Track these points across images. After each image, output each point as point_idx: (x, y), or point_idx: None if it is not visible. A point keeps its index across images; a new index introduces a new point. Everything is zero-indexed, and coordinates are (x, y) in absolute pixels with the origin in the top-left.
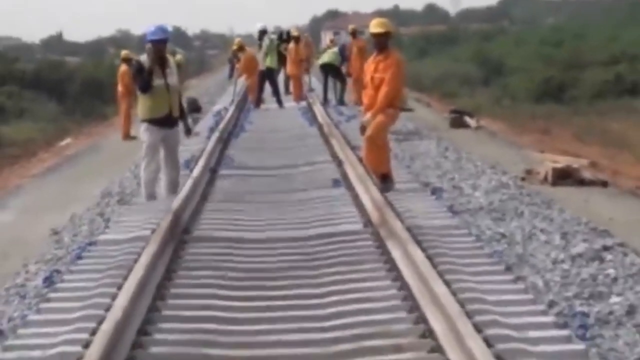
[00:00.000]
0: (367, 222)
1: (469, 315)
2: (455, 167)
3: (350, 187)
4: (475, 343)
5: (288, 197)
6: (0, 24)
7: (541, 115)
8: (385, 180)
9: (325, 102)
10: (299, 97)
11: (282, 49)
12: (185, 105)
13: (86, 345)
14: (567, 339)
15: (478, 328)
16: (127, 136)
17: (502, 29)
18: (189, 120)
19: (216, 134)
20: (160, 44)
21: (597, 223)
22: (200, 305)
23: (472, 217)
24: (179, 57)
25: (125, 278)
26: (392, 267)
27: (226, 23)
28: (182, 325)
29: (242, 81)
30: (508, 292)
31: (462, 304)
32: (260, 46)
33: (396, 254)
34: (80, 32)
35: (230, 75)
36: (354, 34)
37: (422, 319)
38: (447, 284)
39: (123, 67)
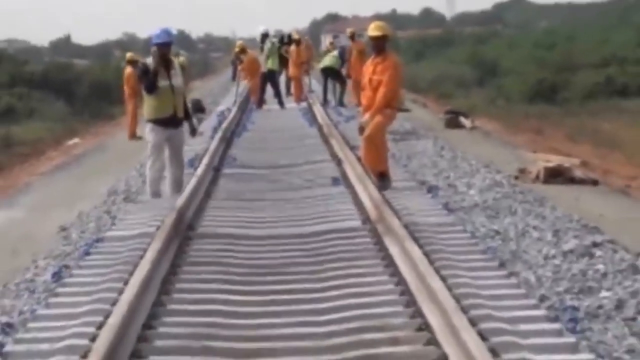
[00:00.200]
0: (366, 219)
1: (464, 309)
2: (451, 166)
3: (349, 186)
4: (470, 336)
5: (289, 194)
6: (10, 28)
7: (534, 115)
8: (383, 179)
9: (325, 103)
10: (300, 98)
11: (283, 51)
12: (189, 106)
13: (93, 338)
14: (558, 332)
15: (473, 322)
16: (134, 136)
17: (496, 32)
18: (194, 121)
19: (219, 134)
20: (165, 47)
21: (587, 220)
22: (203, 299)
23: (467, 215)
24: (181, 59)
25: (131, 273)
26: (390, 263)
27: (229, 26)
28: (186, 319)
29: (244, 83)
30: (501, 287)
31: (457, 298)
32: (262, 49)
33: (393, 250)
34: (87, 35)
35: (233, 77)
36: (353, 37)
37: (418, 313)
38: (443, 279)
39: (128, 69)
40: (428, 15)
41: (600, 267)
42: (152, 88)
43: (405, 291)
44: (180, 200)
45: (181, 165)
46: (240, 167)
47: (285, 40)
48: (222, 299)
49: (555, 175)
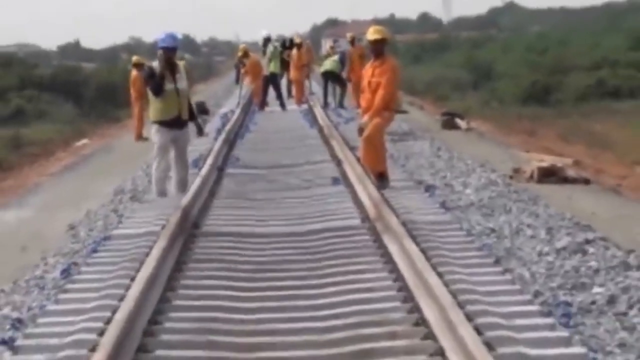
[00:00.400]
0: (365, 218)
1: (461, 305)
2: (447, 165)
3: (348, 185)
4: (466, 331)
5: (290, 194)
6: (20, 32)
7: (527, 117)
8: (381, 179)
9: (325, 105)
10: (301, 100)
11: (285, 55)
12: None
13: (101, 333)
14: (552, 327)
15: (469, 317)
16: (140, 137)
17: (491, 37)
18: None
19: (223, 135)
20: (171, 51)
21: (580, 218)
22: (207, 295)
23: (463, 213)
24: (181, 62)
25: (138, 270)
26: (388, 259)
27: (233, 30)
28: (191, 315)
29: (247, 85)
30: (497, 283)
31: (454, 294)
32: (264, 52)
33: (392, 247)
34: (95, 39)
35: (237, 80)
36: (353, 41)
37: (416, 309)
38: (440, 275)
39: (134, 72)
40: (425, 20)
41: (593, 263)
42: (159, 91)
43: (403, 287)
44: (185, 199)
45: (186, 165)
46: (243, 167)
47: (287, 44)
48: (226, 295)
49: (548, 175)
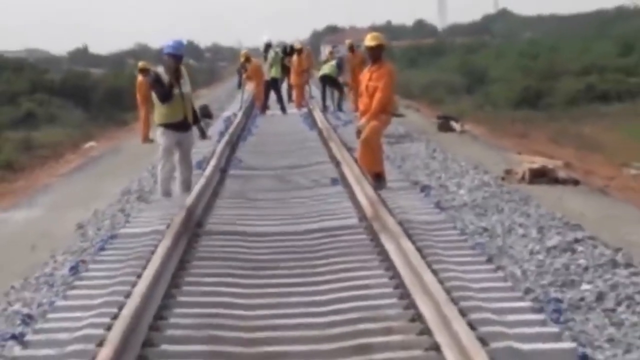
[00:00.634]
0: (362, 217)
1: (455, 301)
2: (442, 167)
3: (347, 186)
4: (460, 326)
5: (291, 194)
6: (31, 38)
7: (519, 120)
8: (378, 179)
9: (324, 108)
10: (301, 104)
11: (286, 61)
12: (197, 112)
13: (108, 328)
14: (543, 323)
15: (463, 313)
16: (146, 139)
17: (484, 43)
18: (202, 124)
19: (226, 138)
20: (178, 59)
21: (569, 218)
22: (211, 292)
23: (457, 213)
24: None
25: (144, 268)
26: (385, 257)
27: (235, 37)
28: (195, 310)
29: (249, 90)
30: (489, 280)
31: (448, 291)
32: (265, 58)
33: (388, 246)
34: (103, 45)
35: (239, 85)
36: (352, 48)
37: (412, 305)
38: (435, 273)
39: (140, 77)
40: (421, 27)
41: (582, 261)
42: (167, 98)
43: (400, 284)
44: (189, 199)
45: (190, 166)
46: (245, 169)
47: (288, 50)
48: (228, 291)
49: (539, 176)
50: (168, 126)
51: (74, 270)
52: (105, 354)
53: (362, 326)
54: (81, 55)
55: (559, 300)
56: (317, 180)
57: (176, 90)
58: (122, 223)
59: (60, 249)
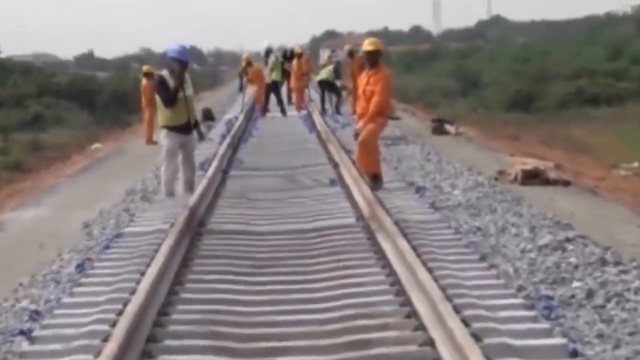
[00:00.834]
0: (360, 217)
1: (449, 298)
2: (437, 168)
3: (344, 186)
4: (454, 323)
5: (290, 194)
6: (39, 43)
7: (512, 123)
8: (375, 180)
9: (323, 111)
10: (300, 107)
11: (286, 66)
12: (200, 114)
13: (113, 324)
14: (534, 319)
15: (457, 309)
16: (150, 141)
17: (478, 48)
18: (204, 128)
19: (227, 140)
20: (184, 65)
21: (560, 218)
22: (213, 289)
23: (451, 213)
24: None
25: (148, 265)
26: (381, 256)
27: (237, 42)
28: (197, 307)
29: (250, 93)
30: (483, 278)
31: (443, 288)
32: (266, 62)
33: (385, 244)
34: (108, 50)
35: (240, 88)
36: (352, 54)
37: (407, 302)
38: (430, 271)
39: (144, 81)
40: (417, 32)
41: (572, 260)
42: (172, 101)
43: (396, 282)
44: (192, 199)
45: (193, 167)
46: (246, 170)
47: (288, 55)
48: (229, 288)
49: (531, 177)
50: (172, 128)
51: (80, 267)
52: (110, 349)
53: (359, 322)
54: (87, 59)
55: (550, 298)
56: (316, 180)
57: (180, 94)
58: (126, 222)
59: (66, 247)
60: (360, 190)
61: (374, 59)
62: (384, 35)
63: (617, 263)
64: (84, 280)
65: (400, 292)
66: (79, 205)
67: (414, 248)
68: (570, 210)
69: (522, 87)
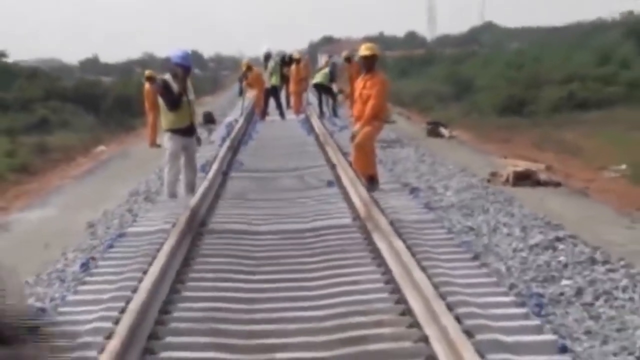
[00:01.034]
0: (356, 217)
1: (442, 296)
2: (431, 170)
3: (341, 187)
4: (447, 320)
5: (289, 195)
6: (45, 48)
7: (504, 126)
8: (371, 181)
9: (321, 114)
10: (299, 110)
11: (285, 71)
12: (201, 118)
13: (116, 321)
14: (525, 316)
15: (450, 307)
16: (153, 144)
17: (472, 53)
18: (205, 131)
19: (228, 142)
20: (187, 70)
21: (551, 218)
22: (213, 287)
23: (445, 213)
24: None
25: (150, 264)
26: (377, 255)
27: (237, 47)
28: (198, 305)
29: (250, 97)
30: (475, 276)
31: (436, 286)
32: (265, 67)
33: (380, 244)
34: (113, 54)
35: (240, 92)
36: (350, 59)
37: (402, 300)
38: (424, 269)
39: (147, 85)
40: (412, 38)
41: (562, 258)
42: (176, 105)
43: (391, 280)
44: (194, 200)
45: (194, 169)
46: (246, 171)
47: (287, 60)
48: (230, 286)
49: (523, 179)
50: (176, 131)
51: (85, 266)
52: (113, 345)
53: (355, 319)
54: (92, 64)
55: (540, 295)
56: (314, 182)
57: (184, 98)
58: (129, 222)
59: (71, 247)
60: (357, 191)
61: (370, 63)
62: (380, 40)
63: (605, 262)
64: (88, 278)
65: (395, 290)
66: (84, 205)
67: (409, 247)
68: (560, 211)
69: (514, 92)
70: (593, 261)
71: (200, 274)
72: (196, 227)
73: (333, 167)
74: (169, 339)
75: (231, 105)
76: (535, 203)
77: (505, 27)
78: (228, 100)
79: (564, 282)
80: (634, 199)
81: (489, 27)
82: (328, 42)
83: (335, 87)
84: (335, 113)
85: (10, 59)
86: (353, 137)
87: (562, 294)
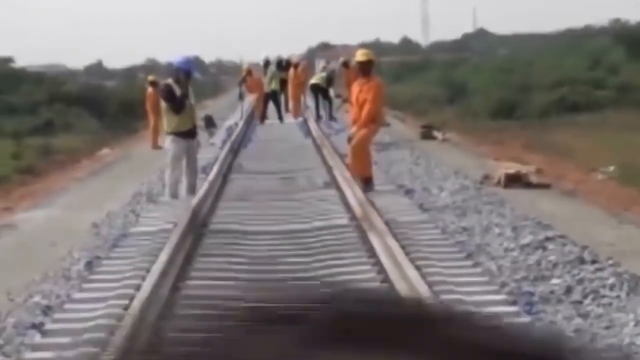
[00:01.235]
0: (352, 217)
1: (436, 294)
2: (425, 172)
3: (338, 188)
4: None
5: (287, 196)
6: (50, 54)
7: (496, 129)
8: (367, 183)
9: (317, 118)
10: (297, 114)
11: (283, 75)
12: (202, 121)
13: (120, 318)
14: (516, 314)
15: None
16: (155, 146)
17: (464, 58)
18: (206, 134)
19: (228, 145)
20: (188, 74)
21: (541, 218)
22: (214, 285)
23: (439, 214)
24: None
25: (153, 263)
26: (372, 254)
27: (237, 53)
28: (199, 302)
29: (250, 101)
30: (468, 275)
31: (430, 284)
32: (265, 73)
33: (376, 243)
34: (116, 60)
35: (240, 96)
36: (347, 64)
37: None
38: (418, 268)
39: (150, 89)
40: (407, 44)
41: (552, 258)
42: (181, 108)
43: (386, 278)
44: (195, 201)
45: (195, 171)
46: (245, 173)
47: (283, 64)
48: (229, 285)
49: (514, 180)
50: (178, 134)
51: (89, 265)
52: (117, 341)
53: None
54: (96, 69)
55: (531, 294)
56: (311, 183)
57: (187, 101)
58: (133, 222)
59: (76, 246)
60: (353, 192)
61: (366, 68)
62: (376, 46)
63: (593, 261)
64: (92, 276)
65: (390, 288)
66: (88, 206)
67: (403, 247)
68: (550, 212)
69: (506, 95)
70: (582, 260)
71: (201, 273)
72: (197, 227)
73: (330, 169)
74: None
75: (232, 109)
76: (526, 204)
77: (497, 33)
78: (228, 104)
79: (554, 280)
80: (623, 199)
81: (481, 34)
82: (325, 48)
83: (332, 92)
84: (331, 116)
85: (17, 64)
86: (350, 139)
87: (552, 292)
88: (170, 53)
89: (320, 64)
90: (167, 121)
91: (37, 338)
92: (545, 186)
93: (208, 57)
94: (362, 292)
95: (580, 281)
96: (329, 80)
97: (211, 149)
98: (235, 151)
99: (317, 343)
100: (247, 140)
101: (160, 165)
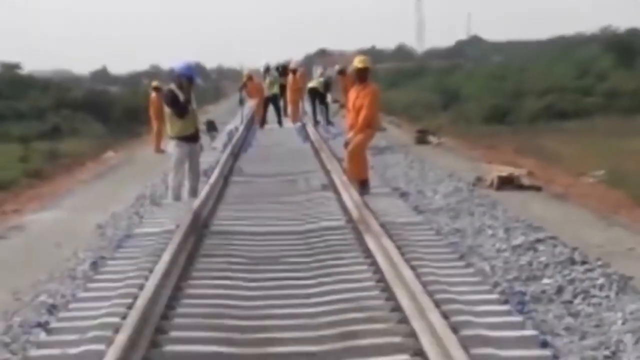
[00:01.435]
0: (349, 219)
1: (430, 293)
2: (420, 175)
3: (335, 191)
4: (434, 316)
5: (286, 198)
6: (56, 59)
7: (489, 134)
8: (363, 186)
9: (315, 123)
10: (296, 119)
11: (282, 81)
12: (204, 125)
13: (124, 317)
14: (508, 313)
15: (437, 304)
16: (158, 150)
17: (458, 65)
18: (208, 138)
19: (229, 149)
20: (191, 80)
21: (532, 220)
22: (215, 285)
23: (433, 216)
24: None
25: (156, 263)
26: (368, 255)
27: (237, 59)
28: (201, 301)
29: (250, 106)
30: (461, 275)
31: (424, 284)
32: (265, 79)
33: (372, 244)
34: (120, 66)
35: (240, 102)
36: (343, 72)
37: (392, 297)
38: (413, 268)
39: (153, 95)
40: (402, 51)
41: (543, 259)
42: (184, 113)
43: (381, 278)
44: (196, 203)
45: (198, 174)
46: (246, 176)
47: (280, 69)
48: (231, 284)
49: (506, 183)
50: (182, 139)
51: (94, 265)
52: (121, 339)
53: (348, 315)
54: (101, 75)
55: (522, 293)
56: (309, 186)
57: (190, 106)
58: (136, 224)
59: (82, 247)
60: (350, 195)
61: (363, 75)
62: (372, 53)
63: (583, 262)
64: (97, 276)
65: (386, 288)
66: (93, 208)
67: (398, 248)
68: (541, 214)
69: (498, 102)
70: (572, 261)
71: (203, 273)
72: (199, 229)
73: (327, 172)
74: (174, 333)
75: (232, 113)
76: (518, 206)
77: (490, 40)
78: (229, 109)
79: (545, 280)
80: (611, 202)
81: (475, 41)
82: (323, 55)
83: (329, 98)
84: (328, 120)
85: (24, 71)
86: (346, 144)
87: (543, 292)
88: (173, 59)
89: (317, 70)
90: (171, 126)
91: (43, 336)
92: (536, 188)
93: (209, 64)
94: None
95: (571, 281)
96: (327, 85)
97: (213, 153)
98: (236, 155)
99: None
100: (247, 145)
101: (164, 168)
